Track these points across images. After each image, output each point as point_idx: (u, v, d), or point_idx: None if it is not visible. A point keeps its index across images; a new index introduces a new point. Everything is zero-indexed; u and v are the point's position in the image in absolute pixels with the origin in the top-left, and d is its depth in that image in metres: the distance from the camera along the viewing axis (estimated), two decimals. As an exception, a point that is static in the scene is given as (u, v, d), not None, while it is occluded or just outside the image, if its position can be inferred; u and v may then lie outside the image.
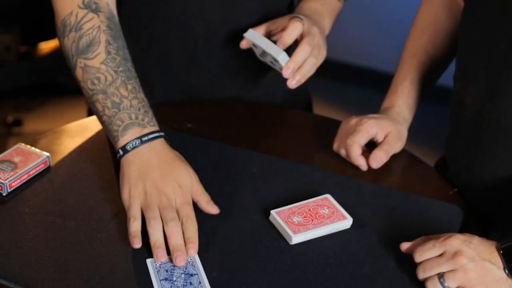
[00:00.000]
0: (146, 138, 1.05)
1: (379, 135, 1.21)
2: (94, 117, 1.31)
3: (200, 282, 0.92)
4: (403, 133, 1.24)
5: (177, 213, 1.00)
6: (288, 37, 1.20)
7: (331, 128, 1.27)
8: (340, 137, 1.23)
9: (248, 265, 0.96)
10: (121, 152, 1.06)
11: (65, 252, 0.97)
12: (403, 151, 1.25)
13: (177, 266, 0.94)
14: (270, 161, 1.20)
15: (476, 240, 0.92)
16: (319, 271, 0.96)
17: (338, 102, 3.26)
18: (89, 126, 1.28)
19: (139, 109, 1.07)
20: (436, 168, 1.30)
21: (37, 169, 1.13)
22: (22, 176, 1.10)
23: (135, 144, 1.05)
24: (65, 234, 1.00)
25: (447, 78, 1.34)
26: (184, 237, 0.97)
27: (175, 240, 0.96)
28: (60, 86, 3.04)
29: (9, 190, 1.08)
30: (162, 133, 1.08)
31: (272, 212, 1.05)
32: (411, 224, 1.06)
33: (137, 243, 0.97)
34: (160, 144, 1.07)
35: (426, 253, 0.93)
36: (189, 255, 0.96)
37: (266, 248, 1.00)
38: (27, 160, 1.13)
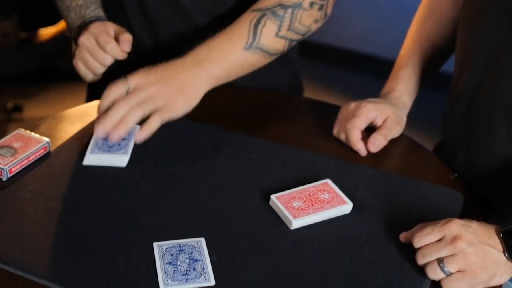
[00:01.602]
0: (83, 24, 1.24)
1: (378, 119, 1.21)
2: (93, 103, 1.32)
3: (203, 268, 0.92)
4: (402, 118, 1.24)
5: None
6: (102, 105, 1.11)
7: (331, 113, 1.27)
8: (339, 121, 1.23)
9: (248, 250, 0.96)
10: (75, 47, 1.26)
11: (65, 237, 0.97)
12: (403, 136, 1.25)
13: (182, 251, 0.94)
14: (270, 146, 1.20)
15: (475, 224, 0.93)
16: (319, 255, 0.96)
17: (337, 88, 3.25)
18: (89, 111, 1.28)
19: (81, 6, 1.28)
20: (434, 152, 1.30)
21: (37, 154, 1.13)
22: (22, 162, 1.10)
23: (76, 32, 1.24)
24: (65, 219, 1.01)
25: (447, 64, 1.34)
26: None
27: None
28: (60, 72, 3.03)
29: (9, 176, 1.08)
30: (97, 17, 1.26)
31: (272, 196, 1.05)
32: (411, 210, 1.06)
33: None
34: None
35: (425, 238, 0.93)
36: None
37: (266, 233, 1.00)
38: (27, 145, 1.13)
